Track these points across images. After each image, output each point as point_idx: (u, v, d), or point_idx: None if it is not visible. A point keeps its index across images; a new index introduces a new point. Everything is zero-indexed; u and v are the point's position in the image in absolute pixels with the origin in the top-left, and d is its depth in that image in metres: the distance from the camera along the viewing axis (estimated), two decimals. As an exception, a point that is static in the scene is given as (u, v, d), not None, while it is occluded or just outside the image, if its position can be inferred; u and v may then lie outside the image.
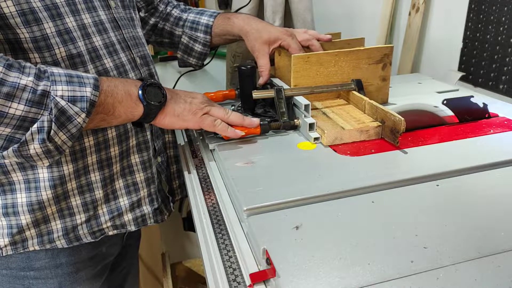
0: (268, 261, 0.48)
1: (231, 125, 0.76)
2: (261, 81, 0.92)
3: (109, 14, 0.71)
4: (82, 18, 0.66)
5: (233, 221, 0.61)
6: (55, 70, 0.57)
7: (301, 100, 0.80)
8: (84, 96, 0.57)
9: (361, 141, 0.75)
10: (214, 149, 0.79)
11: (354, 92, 0.86)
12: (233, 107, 0.93)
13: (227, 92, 0.97)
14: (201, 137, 0.88)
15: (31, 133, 0.55)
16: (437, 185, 0.61)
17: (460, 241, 0.49)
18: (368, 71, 0.89)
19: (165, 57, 1.42)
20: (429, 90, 1.03)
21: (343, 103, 0.89)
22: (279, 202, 0.58)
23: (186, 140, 0.94)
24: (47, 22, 0.61)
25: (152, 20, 0.99)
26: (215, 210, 0.66)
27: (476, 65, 1.14)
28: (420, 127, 0.79)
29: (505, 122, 0.81)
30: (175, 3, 1.02)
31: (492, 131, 0.77)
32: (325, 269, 0.46)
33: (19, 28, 0.59)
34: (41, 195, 0.67)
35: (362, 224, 0.53)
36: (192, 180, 0.77)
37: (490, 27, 1.07)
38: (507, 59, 1.04)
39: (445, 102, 0.82)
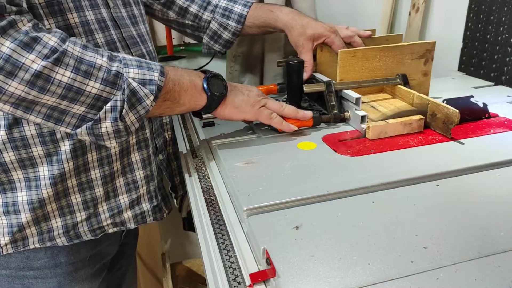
0: (268, 261, 0.48)
1: (285, 118, 0.78)
2: (305, 76, 0.92)
3: (108, 13, 0.72)
4: (85, 14, 0.67)
5: (233, 221, 0.61)
6: (125, 55, 0.62)
7: (352, 94, 0.82)
8: (152, 80, 0.60)
9: (404, 134, 0.77)
10: (214, 149, 0.79)
11: (400, 86, 0.88)
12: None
13: (271, 86, 0.99)
14: (250, 131, 0.86)
15: (105, 111, 0.58)
16: (437, 185, 0.61)
17: (460, 241, 0.49)
18: (411, 66, 0.91)
19: (165, 57, 1.42)
20: (465, 86, 1.05)
21: (388, 97, 0.91)
22: (279, 202, 0.58)
23: (186, 140, 0.94)
24: (48, 19, 0.61)
25: None
26: (215, 210, 0.66)
27: (476, 65, 1.14)
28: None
29: (505, 122, 0.81)
30: None
31: (492, 131, 0.77)
32: (325, 269, 0.46)
33: None
34: (42, 193, 0.67)
35: (362, 224, 0.53)
36: (192, 180, 0.77)
37: (490, 27, 1.07)
38: (507, 59, 1.04)
39: (445, 102, 0.82)
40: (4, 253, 0.70)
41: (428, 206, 0.56)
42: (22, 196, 0.67)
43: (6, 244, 0.69)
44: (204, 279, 0.97)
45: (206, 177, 0.77)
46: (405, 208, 0.56)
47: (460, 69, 1.20)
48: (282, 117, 0.78)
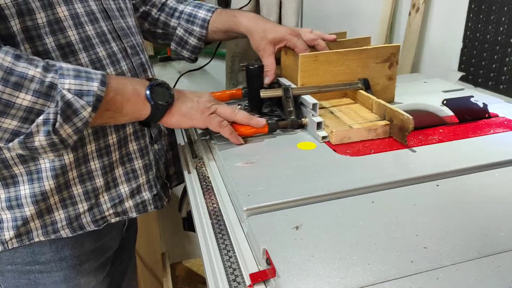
0: (268, 261, 0.48)
1: (239, 124, 0.77)
2: (267, 80, 0.92)
3: (99, 4, 0.72)
4: (75, 7, 0.67)
5: (233, 221, 0.61)
6: (63, 64, 0.59)
7: (309, 99, 0.80)
8: (90, 91, 0.58)
9: (369, 139, 0.75)
10: (214, 149, 0.79)
11: (361, 91, 0.87)
12: (239, 106, 0.92)
13: (233, 91, 0.97)
14: (203, 137, 0.88)
15: (37, 125, 0.56)
16: (437, 185, 0.61)
17: (460, 241, 0.49)
18: (375, 70, 0.90)
19: (165, 57, 1.42)
20: (435, 89, 1.03)
21: (350, 102, 0.89)
22: (279, 202, 0.58)
23: (186, 140, 0.94)
24: (39, 13, 0.62)
25: (143, 8, 0.98)
26: (215, 210, 0.66)
27: (476, 65, 1.14)
28: (420, 127, 0.79)
29: (505, 122, 0.81)
30: None
31: (492, 131, 0.77)
32: (325, 269, 0.46)
33: (13, 20, 0.59)
34: (44, 186, 0.68)
35: (362, 224, 0.53)
36: (192, 180, 0.77)
37: (490, 27, 1.07)
38: (507, 59, 1.04)
39: (445, 102, 0.82)
40: (10, 248, 0.70)
41: (428, 206, 0.56)
42: (24, 190, 0.67)
43: (11, 239, 0.69)
44: (204, 279, 0.97)
45: (206, 177, 0.77)
46: (405, 208, 0.56)
47: (460, 69, 1.20)
48: (235, 123, 0.77)
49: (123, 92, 0.63)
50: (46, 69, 0.56)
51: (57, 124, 0.56)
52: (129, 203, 0.79)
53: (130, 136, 0.77)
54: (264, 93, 0.84)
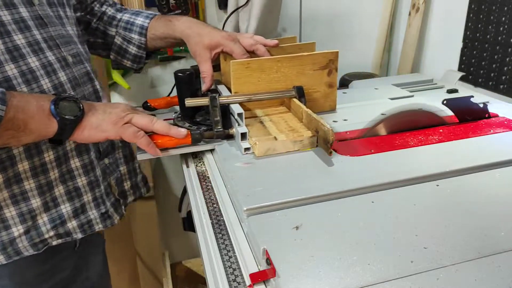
0: (268, 261, 0.48)
1: (159, 134, 0.73)
2: (203, 87, 0.88)
3: (32, 11, 0.67)
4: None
5: (233, 221, 0.61)
6: None
7: (235, 109, 0.77)
8: None
9: (295, 150, 0.73)
10: (214, 149, 0.79)
11: (294, 99, 0.83)
12: (175, 114, 0.90)
13: (169, 98, 0.93)
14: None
15: None
16: (437, 185, 0.61)
17: (460, 241, 0.49)
18: (313, 77, 0.86)
19: (165, 57, 1.42)
20: (383, 96, 1.01)
21: (285, 111, 0.86)
22: (279, 202, 0.58)
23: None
24: None
25: (85, 19, 0.93)
26: (215, 210, 0.66)
27: (476, 65, 1.14)
28: (420, 127, 0.79)
29: (505, 122, 0.81)
30: (111, 2, 0.97)
31: (492, 131, 0.77)
32: (325, 269, 0.46)
33: None
34: None
35: (362, 224, 0.53)
36: (192, 180, 0.77)
37: (490, 27, 1.07)
38: (507, 59, 1.04)
39: (445, 102, 0.82)
40: None
41: (428, 206, 0.56)
42: None
43: None
44: (204, 279, 0.97)
45: (206, 177, 0.77)
46: (405, 208, 0.56)
47: (460, 69, 1.20)
48: (156, 133, 0.72)
49: (25, 109, 0.58)
50: None
51: None
52: (72, 224, 0.72)
53: (71, 152, 0.71)
54: (189, 102, 0.79)
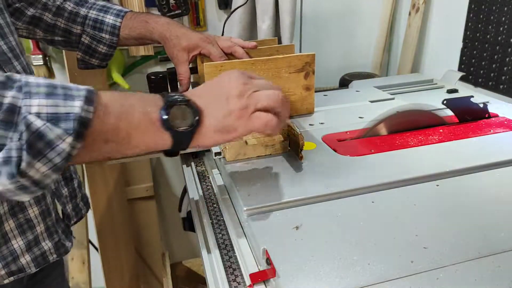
0: (268, 261, 0.48)
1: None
2: (180, 89, 0.87)
3: None
4: None
5: (233, 221, 0.61)
6: (31, 79, 0.43)
7: None
8: (70, 113, 0.42)
9: (267, 155, 0.72)
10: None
11: None
12: None
13: None
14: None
15: None
16: (437, 185, 0.61)
17: (460, 241, 0.49)
18: (290, 80, 0.86)
19: (165, 57, 1.42)
20: (364, 98, 1.01)
21: None
22: (279, 202, 0.58)
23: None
24: None
25: (30, 11, 0.83)
26: (215, 210, 0.66)
27: (476, 65, 1.14)
28: (419, 127, 0.79)
29: (505, 122, 0.81)
30: None
31: (492, 131, 0.77)
32: (325, 269, 0.46)
33: None
34: None
35: (362, 224, 0.53)
36: (192, 180, 0.77)
37: (490, 27, 1.07)
38: (507, 59, 1.04)
39: (445, 102, 0.82)
40: None
41: (428, 206, 0.56)
42: None
43: None
44: (204, 279, 0.97)
45: (206, 177, 0.77)
46: (405, 208, 0.56)
47: (460, 69, 1.20)
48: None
49: (129, 117, 0.46)
50: (5, 85, 0.41)
51: (23, 164, 0.41)
52: (25, 258, 0.66)
53: None
54: None
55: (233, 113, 0.51)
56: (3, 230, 0.62)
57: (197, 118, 0.49)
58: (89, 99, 0.43)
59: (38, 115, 0.41)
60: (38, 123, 0.40)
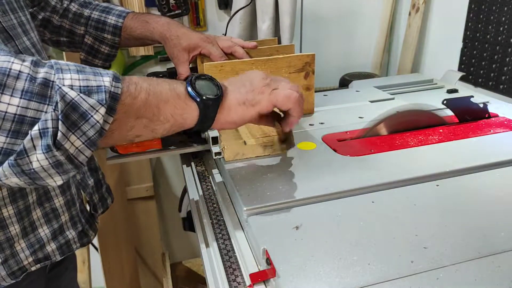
0: (268, 261, 0.48)
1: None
2: None
3: None
4: None
5: (233, 221, 0.61)
6: (60, 61, 0.46)
7: None
8: (101, 86, 0.44)
9: (263, 154, 0.72)
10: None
11: None
12: None
13: None
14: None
15: (31, 138, 0.41)
16: (437, 185, 0.61)
17: (460, 241, 0.49)
18: (290, 80, 0.85)
19: (165, 57, 1.42)
20: (364, 98, 1.01)
21: None
22: (279, 202, 0.58)
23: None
24: None
25: (41, 15, 0.86)
26: (215, 210, 0.66)
27: (476, 65, 1.14)
28: (419, 127, 0.79)
29: (505, 122, 0.81)
30: None
31: (492, 131, 0.77)
32: (325, 269, 0.46)
33: None
34: None
35: (362, 224, 0.53)
36: (192, 180, 0.78)
37: (490, 27, 1.07)
38: (507, 59, 1.04)
39: (445, 102, 0.82)
40: None
41: (428, 206, 0.56)
42: None
43: None
44: (204, 279, 0.97)
45: (206, 177, 0.77)
46: (405, 208, 0.56)
47: (460, 69, 1.20)
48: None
49: (157, 92, 0.49)
50: (37, 63, 0.43)
51: (59, 135, 0.42)
52: (51, 246, 0.68)
53: None
54: None
55: (256, 89, 0.57)
56: (31, 219, 0.64)
57: (220, 90, 0.54)
58: (117, 77, 0.46)
59: (71, 87, 0.43)
60: (72, 93, 0.42)
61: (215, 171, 0.76)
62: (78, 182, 0.76)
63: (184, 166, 0.84)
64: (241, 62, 0.83)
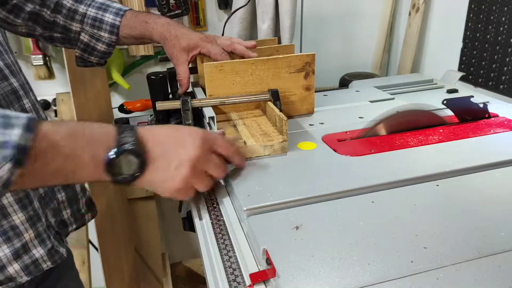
0: (268, 261, 0.48)
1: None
2: (180, 90, 0.86)
3: None
4: None
5: (233, 221, 0.61)
6: None
7: (207, 112, 0.76)
8: (7, 142, 0.42)
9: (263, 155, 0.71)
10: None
11: (269, 103, 0.81)
12: (149, 118, 0.88)
13: (144, 101, 0.91)
14: None
15: None
16: (437, 185, 0.61)
17: (460, 241, 0.49)
18: (290, 80, 0.85)
19: (165, 57, 1.42)
20: (364, 98, 1.01)
21: (259, 114, 0.85)
22: (279, 202, 0.58)
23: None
24: None
25: (28, 7, 0.82)
26: (215, 210, 0.66)
27: (476, 65, 1.14)
28: (419, 127, 0.79)
29: (505, 122, 0.81)
30: None
31: (492, 131, 0.77)
32: (325, 269, 0.46)
33: None
34: None
35: (362, 224, 0.53)
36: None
37: (490, 27, 1.07)
38: (507, 59, 1.04)
39: (445, 102, 0.82)
40: None
41: (428, 206, 0.56)
42: None
43: None
44: (204, 279, 0.97)
45: (206, 177, 0.77)
46: (405, 208, 0.56)
47: (460, 69, 1.20)
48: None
49: (75, 159, 0.48)
50: None
51: None
52: (14, 267, 0.63)
53: None
54: (160, 105, 0.78)
55: (174, 182, 0.55)
56: None
57: (140, 170, 0.52)
58: (29, 127, 0.44)
59: None
60: None
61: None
62: (41, 196, 0.70)
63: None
64: (241, 62, 0.83)
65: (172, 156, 0.54)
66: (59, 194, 0.75)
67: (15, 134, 0.43)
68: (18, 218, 0.63)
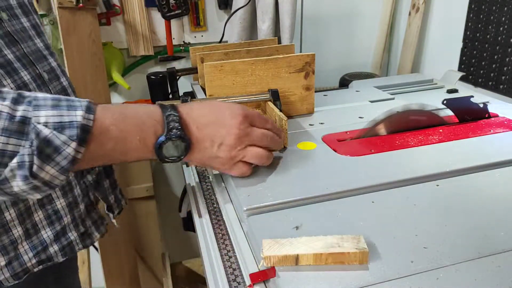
0: (268, 261, 0.48)
1: None
2: None
3: (0, 28, 0.62)
4: None
5: (233, 221, 0.61)
6: (39, 94, 0.49)
7: None
8: (73, 122, 0.48)
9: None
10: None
11: (269, 103, 0.81)
12: None
13: (144, 101, 0.91)
14: None
15: (11, 169, 0.46)
16: (437, 185, 0.61)
17: (460, 241, 0.49)
18: (290, 80, 0.86)
19: (165, 57, 1.42)
20: (364, 98, 1.01)
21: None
22: (279, 202, 0.58)
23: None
24: None
25: None
26: (215, 210, 0.66)
27: (476, 65, 1.14)
28: (419, 127, 0.79)
29: (505, 122, 0.81)
30: None
31: (492, 131, 0.77)
32: (325, 269, 0.46)
33: None
34: None
35: (362, 224, 0.53)
36: (192, 180, 0.77)
37: (490, 27, 1.07)
38: (507, 59, 1.04)
39: (445, 102, 0.82)
40: None
41: (428, 206, 0.56)
42: None
43: None
44: (204, 279, 0.97)
45: (206, 177, 0.77)
46: (405, 208, 0.56)
47: (460, 69, 1.20)
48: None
49: (126, 142, 0.53)
50: (17, 101, 0.47)
51: (35, 167, 0.47)
52: (54, 248, 0.69)
53: None
54: None
55: (219, 159, 0.59)
56: (33, 221, 0.66)
57: (185, 152, 0.57)
58: (89, 108, 0.49)
59: (46, 124, 0.47)
60: (46, 131, 0.46)
61: (215, 171, 0.76)
62: (89, 183, 0.77)
63: (184, 166, 0.84)
64: (241, 62, 0.83)
65: (214, 137, 0.58)
66: (104, 181, 0.82)
67: (79, 115, 0.48)
68: (60, 203, 0.69)
